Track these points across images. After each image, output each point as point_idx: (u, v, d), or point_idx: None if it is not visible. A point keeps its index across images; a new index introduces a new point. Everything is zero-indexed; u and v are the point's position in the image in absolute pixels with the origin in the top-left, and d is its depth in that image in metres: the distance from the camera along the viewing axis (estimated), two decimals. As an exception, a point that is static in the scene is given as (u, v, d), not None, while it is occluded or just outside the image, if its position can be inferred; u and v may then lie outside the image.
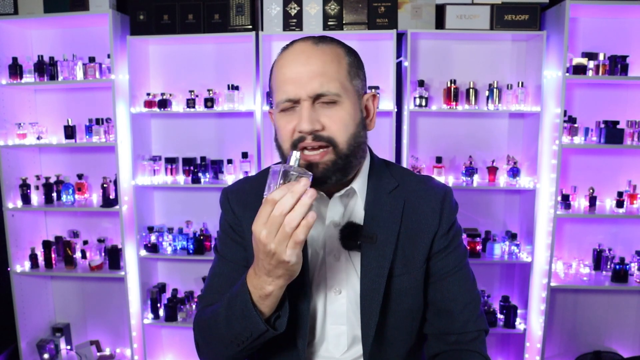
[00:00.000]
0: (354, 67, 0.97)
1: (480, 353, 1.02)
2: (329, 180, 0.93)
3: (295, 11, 2.48)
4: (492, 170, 2.60)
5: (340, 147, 0.92)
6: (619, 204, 2.48)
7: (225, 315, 0.92)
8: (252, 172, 2.63)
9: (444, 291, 1.04)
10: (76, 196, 2.72)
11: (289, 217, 0.78)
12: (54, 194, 2.72)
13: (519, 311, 2.63)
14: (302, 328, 1.01)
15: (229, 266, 1.07)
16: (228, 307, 0.92)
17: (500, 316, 2.63)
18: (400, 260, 1.01)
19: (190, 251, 2.65)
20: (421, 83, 2.52)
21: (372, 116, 1.02)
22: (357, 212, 1.03)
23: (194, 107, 2.59)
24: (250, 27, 2.51)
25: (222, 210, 1.11)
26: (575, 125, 2.46)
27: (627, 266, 2.51)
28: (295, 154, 0.85)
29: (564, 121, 2.39)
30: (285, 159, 0.96)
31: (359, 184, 1.03)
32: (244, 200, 1.07)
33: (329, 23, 2.48)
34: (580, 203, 2.61)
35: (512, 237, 2.59)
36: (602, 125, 2.44)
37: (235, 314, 0.90)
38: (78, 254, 2.80)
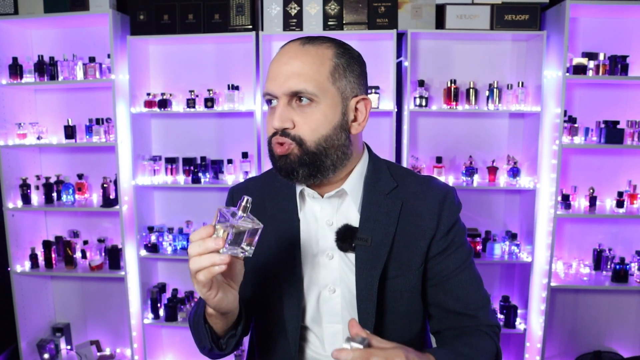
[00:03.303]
0: (340, 69, 0.95)
1: (492, 339, 1.01)
2: (295, 173, 0.95)
3: (296, 11, 2.48)
4: (492, 170, 2.60)
5: (306, 146, 0.94)
6: (619, 204, 2.48)
7: (194, 320, 0.99)
8: (252, 172, 2.63)
9: (447, 293, 1.03)
10: (76, 196, 2.72)
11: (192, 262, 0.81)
12: (54, 194, 2.72)
13: (519, 311, 2.63)
14: (292, 324, 1.02)
15: None
16: (196, 313, 0.98)
17: (500, 316, 2.63)
18: (395, 263, 1.01)
19: (191, 251, 2.65)
20: (421, 83, 2.52)
21: (361, 120, 0.99)
22: (351, 213, 1.03)
23: (194, 107, 2.59)
24: (251, 27, 2.51)
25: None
26: (576, 125, 2.46)
27: (627, 266, 2.51)
28: (246, 200, 0.83)
29: (564, 121, 2.39)
30: (271, 153, 0.99)
31: (350, 185, 1.02)
32: None
33: (329, 23, 2.48)
34: (580, 203, 2.61)
35: (512, 237, 2.60)
36: (602, 125, 2.44)
37: (199, 322, 0.96)
38: (78, 254, 2.80)
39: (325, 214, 1.03)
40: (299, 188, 1.04)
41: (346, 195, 1.03)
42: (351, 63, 0.97)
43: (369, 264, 0.99)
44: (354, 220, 1.02)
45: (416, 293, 1.04)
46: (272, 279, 1.04)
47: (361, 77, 0.99)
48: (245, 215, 0.81)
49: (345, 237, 0.99)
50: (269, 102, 0.98)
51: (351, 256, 1.01)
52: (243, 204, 0.81)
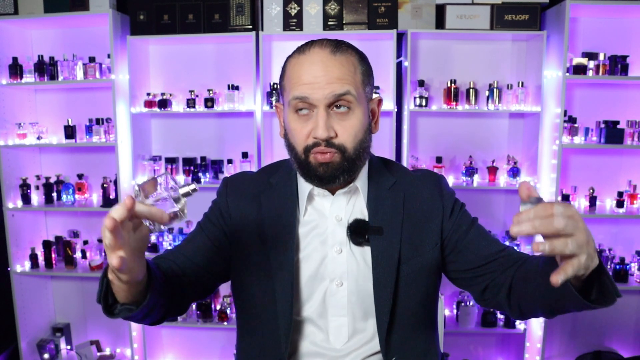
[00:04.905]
0: (365, 75, 1.01)
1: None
2: (336, 180, 1.00)
3: (296, 11, 2.48)
4: (492, 170, 2.60)
5: (348, 153, 0.98)
6: (619, 204, 2.48)
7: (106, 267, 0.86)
8: (252, 172, 2.63)
9: (473, 246, 1.06)
10: (76, 196, 2.72)
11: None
12: (54, 194, 2.72)
13: (519, 311, 2.63)
14: (284, 319, 1.03)
15: (201, 235, 1.14)
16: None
17: (500, 316, 2.63)
18: (407, 247, 1.05)
19: (191, 251, 2.65)
20: (421, 83, 2.52)
21: (376, 119, 1.07)
22: (360, 208, 1.08)
23: (194, 107, 2.59)
24: (251, 27, 2.51)
25: (217, 195, 1.17)
26: (576, 125, 2.46)
27: (627, 266, 2.51)
28: (189, 186, 0.89)
29: (564, 121, 2.39)
30: (297, 159, 1.01)
31: (361, 182, 1.08)
32: (241, 190, 1.14)
33: (329, 23, 2.48)
34: (580, 203, 2.61)
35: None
36: (602, 125, 2.44)
37: (104, 271, 0.85)
38: (78, 254, 2.79)
39: (335, 210, 1.07)
40: (307, 188, 1.06)
41: (357, 192, 1.08)
42: (369, 67, 1.04)
43: (385, 252, 1.04)
44: (364, 216, 1.07)
45: (432, 272, 1.07)
46: (265, 273, 1.06)
47: (372, 78, 1.05)
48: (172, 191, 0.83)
49: (358, 231, 1.03)
50: (300, 109, 0.98)
51: (360, 249, 1.05)
52: (189, 189, 0.88)
